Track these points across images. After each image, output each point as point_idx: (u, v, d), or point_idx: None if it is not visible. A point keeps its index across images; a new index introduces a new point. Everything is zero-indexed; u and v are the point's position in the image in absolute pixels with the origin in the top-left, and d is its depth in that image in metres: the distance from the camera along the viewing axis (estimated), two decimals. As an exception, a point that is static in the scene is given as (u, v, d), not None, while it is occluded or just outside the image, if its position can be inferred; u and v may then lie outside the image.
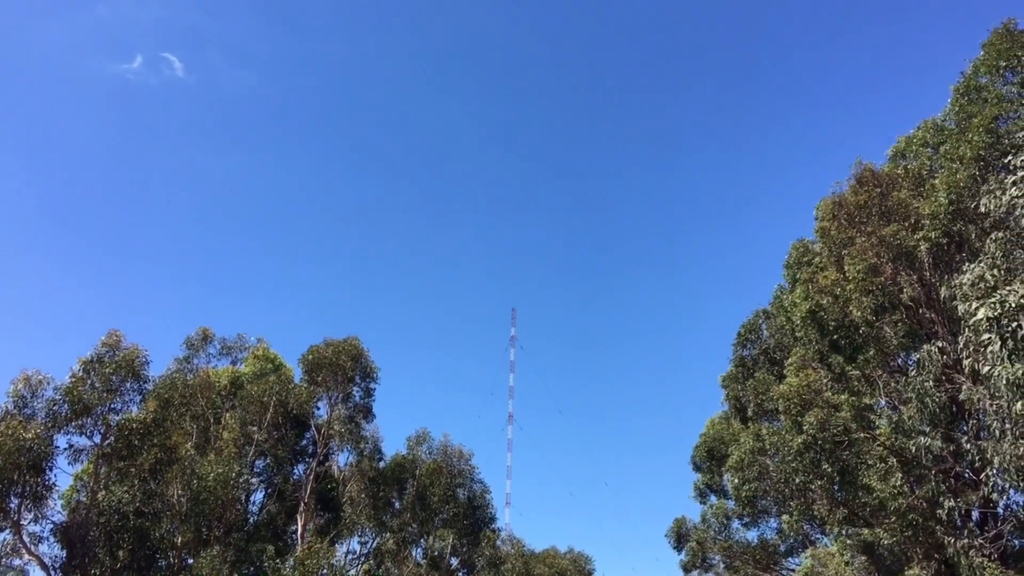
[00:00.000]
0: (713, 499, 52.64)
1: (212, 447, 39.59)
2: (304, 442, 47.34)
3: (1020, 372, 14.13)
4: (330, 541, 42.11)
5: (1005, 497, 24.93)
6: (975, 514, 27.11)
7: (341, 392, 47.09)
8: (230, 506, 39.48)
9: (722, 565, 59.68)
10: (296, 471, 47.11)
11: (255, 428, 41.34)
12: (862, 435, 26.74)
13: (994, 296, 14.09)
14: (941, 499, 24.20)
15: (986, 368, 15.45)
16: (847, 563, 27.55)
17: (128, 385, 34.65)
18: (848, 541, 28.17)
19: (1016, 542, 26.96)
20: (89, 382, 33.51)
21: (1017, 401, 15.10)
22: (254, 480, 43.93)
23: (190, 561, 38.72)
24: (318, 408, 47.38)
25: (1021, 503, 25.94)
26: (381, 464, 54.04)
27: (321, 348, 46.17)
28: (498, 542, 64.59)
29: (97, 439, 34.41)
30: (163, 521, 37.75)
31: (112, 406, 34.31)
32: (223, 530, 39.00)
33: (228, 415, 41.00)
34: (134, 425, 34.72)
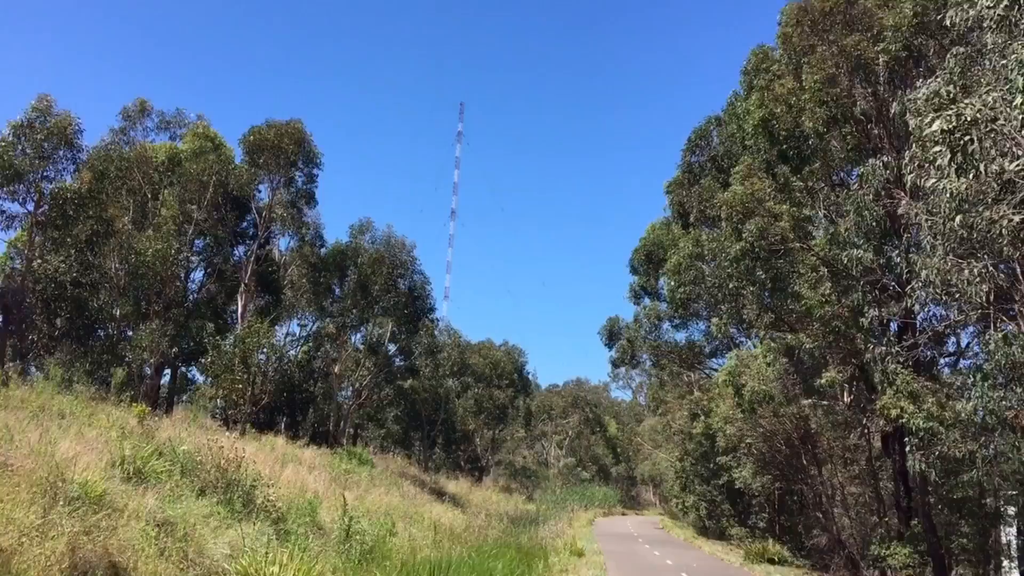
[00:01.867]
0: (647, 301, 54.27)
1: (150, 223, 39.01)
2: (244, 224, 46.89)
3: (964, 186, 14.33)
4: (270, 322, 42.63)
5: (925, 310, 26.07)
6: (894, 325, 28.40)
7: (283, 176, 46.30)
8: (169, 282, 39.46)
9: (649, 363, 62.46)
10: (236, 253, 46.91)
11: (194, 207, 40.66)
12: (798, 245, 27.34)
13: (950, 109, 14.02)
14: (865, 309, 25.18)
15: (929, 182, 15.64)
16: (768, 364, 28.97)
17: (61, 153, 33.56)
18: (772, 344, 29.41)
19: (928, 353, 28.43)
20: (20, 147, 32.32)
21: (956, 216, 15.39)
22: (193, 259, 43.68)
23: (129, 333, 39.09)
24: (259, 191, 46.67)
25: (939, 316, 27.18)
26: (323, 251, 54.21)
27: (263, 130, 44.90)
28: (436, 332, 66.36)
29: (30, 207, 33.61)
30: (101, 293, 37.69)
31: (45, 173, 33.34)
32: (162, 305, 39.14)
33: (166, 192, 40.14)
34: (68, 195, 33.91)
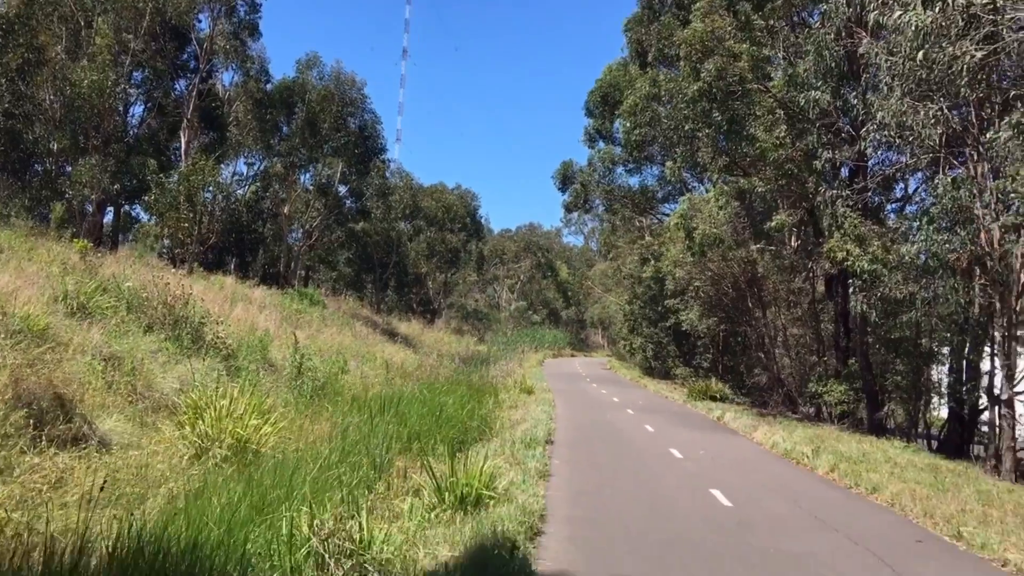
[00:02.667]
0: (602, 145, 53.71)
1: (84, 53, 37.02)
2: (185, 57, 44.86)
3: (929, 20, 14.01)
4: (215, 160, 41.44)
5: (877, 154, 26.11)
6: (845, 170, 28.49)
7: (224, 4, 44.02)
8: (107, 116, 37.90)
9: (602, 208, 62.48)
10: (178, 87, 45.06)
11: (131, 36, 38.60)
12: (756, 86, 26.92)
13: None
14: (819, 151, 25.13)
15: (894, 16, 15.26)
16: (720, 208, 29.06)
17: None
18: (725, 188, 29.44)
19: (876, 198, 28.69)
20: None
21: (918, 52, 15.10)
22: (132, 92, 41.88)
23: (68, 169, 37.81)
24: (199, 21, 44.47)
25: (890, 161, 27.28)
26: (269, 87, 52.31)
27: (201, -47, 42.29)
28: (387, 174, 65.35)
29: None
30: (36, 126, 36.12)
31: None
32: (101, 140, 37.71)
33: (100, 20, 37.91)
34: (-4, 19, 31.90)
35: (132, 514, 6.89)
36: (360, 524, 7.41)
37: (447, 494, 9.99)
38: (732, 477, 15.94)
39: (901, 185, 31.11)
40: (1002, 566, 10.19)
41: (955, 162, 22.11)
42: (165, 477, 10.52)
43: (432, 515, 9.58)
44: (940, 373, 29.11)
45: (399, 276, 77.90)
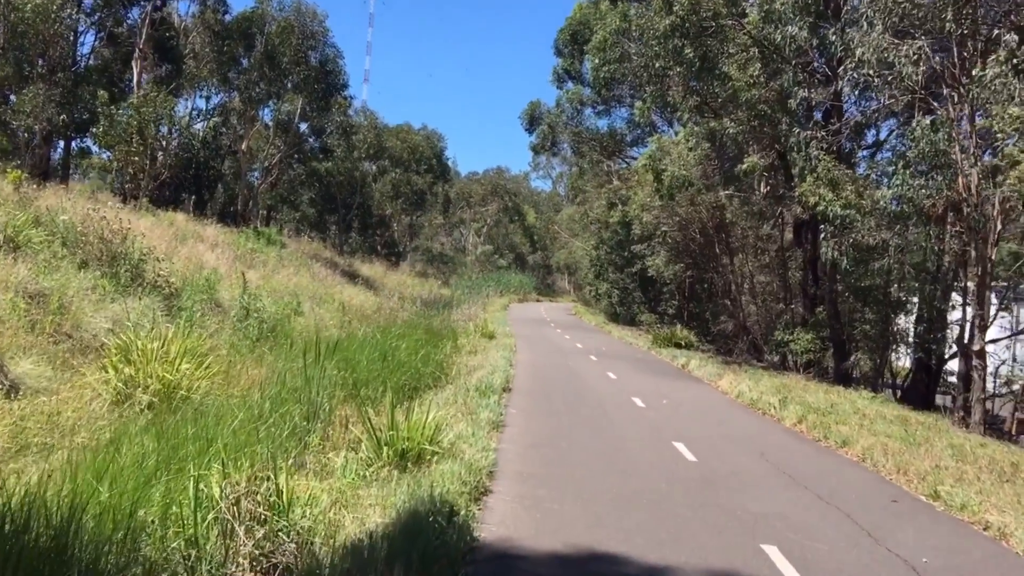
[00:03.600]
0: (570, 85, 52.42)
1: (27, -26, 34.94)
2: (138, -18, 42.70)
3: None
4: (169, 92, 39.65)
5: (855, 94, 25.26)
6: (818, 113, 27.60)
7: (178, -72, 41.81)
8: (53, 43, 35.92)
9: (570, 151, 61.32)
10: (131, 15, 42.97)
11: (78, -42, 36.56)
12: (730, 22, 25.85)
13: None
14: (794, 90, 24.19)
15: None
16: (690, 149, 28.04)
17: None
18: (696, 128, 28.45)
19: (848, 144, 27.91)
20: None
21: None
22: (82, 19, 39.79)
23: (13, 99, 35.98)
24: (153, -55, 42.21)
25: (865, 106, 26.49)
26: (227, 17, 50.22)
27: None
28: (350, 111, 63.52)
29: None
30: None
31: None
32: (47, 68, 35.83)
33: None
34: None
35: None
36: (277, 485, 6.50)
37: (386, 448, 9.11)
38: (697, 428, 15.27)
39: (872, 132, 30.37)
40: (983, 529, 9.57)
41: (934, 104, 21.31)
42: (77, 427, 9.57)
43: (369, 472, 8.71)
44: (908, 323, 28.64)
45: (363, 218, 76.32)
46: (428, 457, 9.30)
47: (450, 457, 9.54)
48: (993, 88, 16.13)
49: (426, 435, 9.47)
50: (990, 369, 22.69)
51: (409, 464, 8.99)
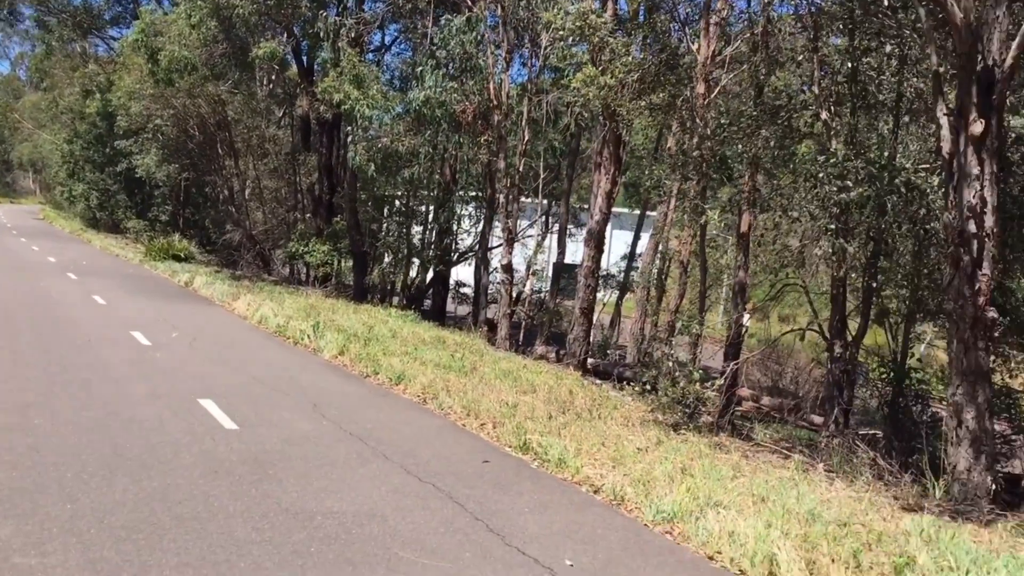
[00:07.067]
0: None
1: None
2: None
3: None
4: None
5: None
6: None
7: None
8: None
9: (36, 28, 51.64)
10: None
11: None
12: None
13: None
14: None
15: None
16: (194, 27, 23.29)
17: None
18: (200, 3, 23.79)
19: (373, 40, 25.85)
20: None
21: None
22: None
23: None
24: None
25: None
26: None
27: None
28: None
29: None
30: None
31: None
32: None
33: None
34: None
35: None
36: None
37: None
38: (224, 374, 12.06)
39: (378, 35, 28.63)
40: (595, 492, 8.01)
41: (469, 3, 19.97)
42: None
43: None
44: (421, 234, 27.86)
45: None
46: None
47: None
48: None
49: None
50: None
51: None
